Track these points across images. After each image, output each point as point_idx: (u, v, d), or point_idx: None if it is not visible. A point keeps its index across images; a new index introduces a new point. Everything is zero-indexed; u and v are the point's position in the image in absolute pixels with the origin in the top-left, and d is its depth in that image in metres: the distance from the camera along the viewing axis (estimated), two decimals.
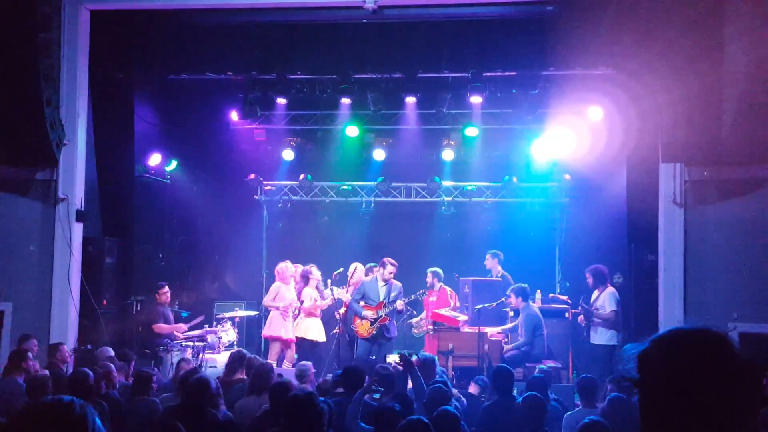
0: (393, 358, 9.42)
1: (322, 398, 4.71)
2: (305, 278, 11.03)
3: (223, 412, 5.66)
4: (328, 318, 11.16)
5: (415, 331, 11.39)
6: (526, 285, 10.35)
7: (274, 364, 10.09)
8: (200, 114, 12.83)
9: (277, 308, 10.77)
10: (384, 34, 10.41)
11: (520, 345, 9.85)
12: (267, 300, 11.02)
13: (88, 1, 9.69)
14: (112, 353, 8.34)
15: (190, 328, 10.88)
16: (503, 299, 10.37)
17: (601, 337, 9.81)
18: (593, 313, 9.84)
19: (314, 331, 10.79)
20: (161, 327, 10.51)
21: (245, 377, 7.35)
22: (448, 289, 11.45)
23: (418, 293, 10.69)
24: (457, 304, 11.16)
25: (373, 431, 5.20)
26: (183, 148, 13.10)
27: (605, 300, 9.80)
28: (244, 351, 8.31)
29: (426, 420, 4.49)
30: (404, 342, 12.19)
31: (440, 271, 11.40)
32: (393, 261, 10.36)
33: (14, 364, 7.19)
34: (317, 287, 11.04)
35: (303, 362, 7.98)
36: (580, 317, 10.17)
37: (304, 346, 10.76)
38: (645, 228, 9.76)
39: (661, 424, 1.67)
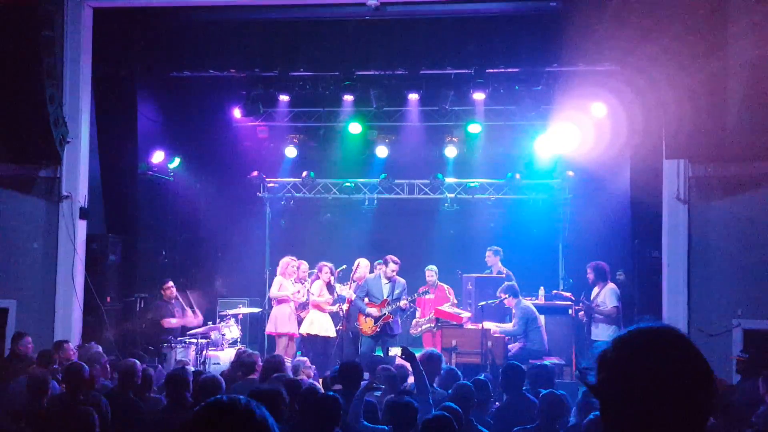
0: (395, 351, 9.45)
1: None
2: (316, 274, 11.07)
3: None
4: (332, 314, 11.16)
5: (413, 331, 11.38)
6: (513, 282, 10.36)
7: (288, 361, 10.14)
8: (203, 111, 12.84)
9: (287, 297, 10.79)
10: (386, 31, 10.40)
11: (510, 332, 9.88)
12: (273, 291, 11.02)
13: None
14: (100, 349, 8.34)
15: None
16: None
17: (602, 332, 9.78)
18: (594, 309, 9.84)
19: (324, 326, 10.78)
20: (170, 322, 10.51)
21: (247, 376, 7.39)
22: (445, 285, 11.46)
23: (420, 291, 10.69)
24: (455, 300, 11.17)
25: (384, 429, 5.19)
26: (186, 146, 13.11)
27: (606, 296, 9.78)
28: (248, 350, 8.33)
29: (449, 415, 4.51)
30: (406, 340, 12.20)
31: (435, 267, 11.42)
32: (395, 259, 10.33)
33: (42, 364, 7.28)
34: (329, 284, 10.99)
35: (300, 358, 7.98)
36: (581, 313, 10.16)
37: (317, 342, 10.75)
38: (649, 224, 9.75)
39: (619, 427, 1.62)
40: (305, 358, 7.89)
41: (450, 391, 6.12)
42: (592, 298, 9.97)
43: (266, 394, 4.48)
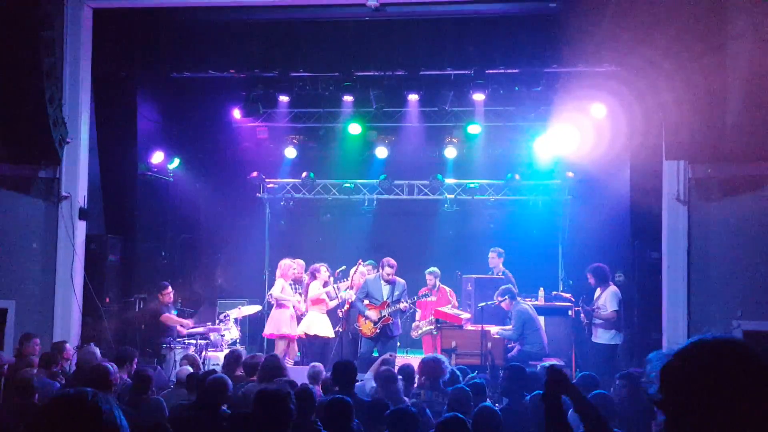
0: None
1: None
2: (312, 275, 11.02)
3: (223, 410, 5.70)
4: (331, 315, 11.14)
5: (413, 333, 11.37)
6: (510, 285, 10.36)
7: (290, 363, 10.14)
8: (203, 112, 12.83)
9: (284, 305, 10.76)
10: (386, 32, 10.40)
11: (507, 336, 9.93)
12: (276, 292, 10.96)
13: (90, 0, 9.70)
14: (97, 351, 8.34)
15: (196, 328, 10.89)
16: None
17: (602, 336, 9.76)
18: (594, 312, 9.81)
19: (324, 327, 10.77)
20: (169, 317, 10.49)
21: (243, 373, 7.40)
22: (447, 288, 11.44)
23: (420, 294, 10.69)
24: (456, 303, 11.16)
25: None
26: (186, 146, 13.11)
27: (607, 299, 9.75)
28: (239, 350, 8.32)
29: (463, 417, 4.52)
30: (405, 342, 12.18)
31: (438, 270, 11.39)
32: (392, 261, 10.24)
33: (44, 365, 7.28)
34: (325, 284, 10.96)
35: (315, 363, 7.92)
36: (582, 315, 10.14)
37: (316, 344, 10.73)
38: (648, 225, 9.74)
39: None
40: (320, 365, 7.79)
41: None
42: (594, 300, 9.95)
43: (274, 394, 4.49)
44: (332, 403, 4.97)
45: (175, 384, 7.59)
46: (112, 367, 6.23)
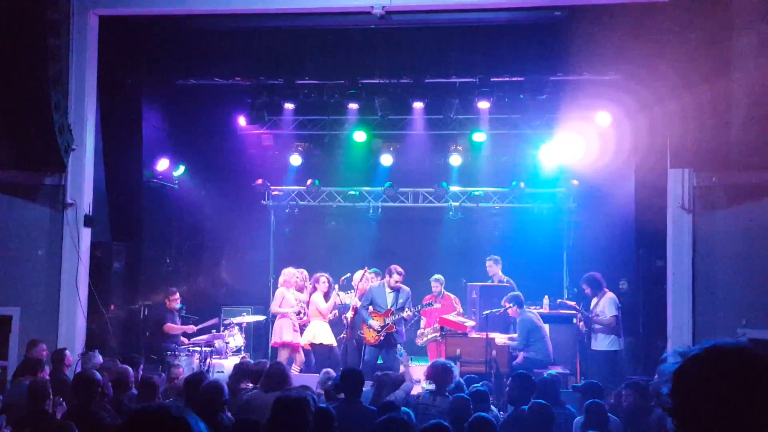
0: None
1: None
2: (313, 285, 11.04)
3: (226, 415, 5.67)
4: (335, 322, 11.14)
5: (418, 341, 11.35)
6: (519, 292, 10.36)
7: (295, 369, 10.14)
8: (208, 119, 12.87)
9: (286, 314, 10.76)
10: (392, 40, 10.42)
11: (512, 346, 9.90)
12: (274, 306, 11.00)
13: (96, 7, 9.72)
14: (100, 358, 8.34)
15: (202, 330, 10.91)
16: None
17: (602, 343, 9.78)
18: (593, 319, 9.82)
19: (327, 335, 10.76)
20: (171, 327, 10.54)
21: (251, 385, 7.37)
22: (452, 295, 11.42)
23: (424, 302, 10.68)
24: (461, 310, 11.14)
25: None
26: (191, 153, 13.13)
27: (605, 305, 9.78)
28: (250, 361, 8.31)
29: (446, 424, 4.51)
30: (410, 349, 12.16)
31: (442, 277, 11.38)
32: (399, 269, 10.26)
33: (30, 370, 7.29)
34: (326, 295, 10.98)
35: (328, 370, 7.92)
36: (581, 323, 10.15)
37: (322, 351, 10.72)
38: (653, 233, 9.71)
39: None
40: (331, 371, 7.78)
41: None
42: (591, 308, 9.97)
43: (294, 402, 4.46)
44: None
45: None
46: (99, 374, 6.21)
